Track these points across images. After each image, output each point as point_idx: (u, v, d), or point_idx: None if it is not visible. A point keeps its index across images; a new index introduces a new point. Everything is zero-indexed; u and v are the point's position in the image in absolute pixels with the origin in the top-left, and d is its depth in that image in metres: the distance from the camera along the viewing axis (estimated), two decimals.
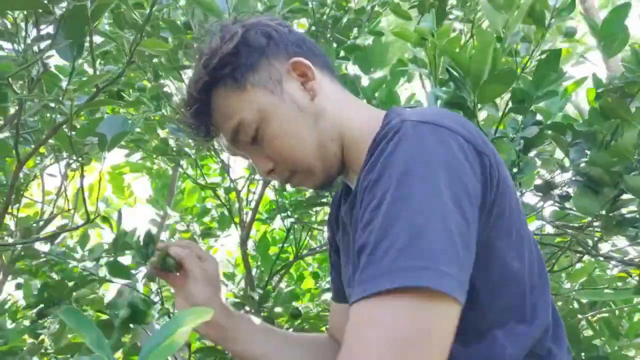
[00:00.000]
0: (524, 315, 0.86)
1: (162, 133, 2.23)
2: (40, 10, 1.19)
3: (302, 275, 2.90)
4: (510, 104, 1.25)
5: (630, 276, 1.74)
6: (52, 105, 1.46)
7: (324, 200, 1.89)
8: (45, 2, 1.10)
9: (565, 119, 1.25)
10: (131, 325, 2.44)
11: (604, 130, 1.14)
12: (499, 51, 1.08)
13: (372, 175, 0.79)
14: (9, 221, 1.90)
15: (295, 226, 2.39)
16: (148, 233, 1.12)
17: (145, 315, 1.60)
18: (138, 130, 2.12)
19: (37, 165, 2.09)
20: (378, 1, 1.93)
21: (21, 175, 1.84)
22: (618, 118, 1.12)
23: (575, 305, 1.87)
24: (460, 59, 1.11)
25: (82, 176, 1.50)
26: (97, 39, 1.40)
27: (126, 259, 2.09)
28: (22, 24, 1.28)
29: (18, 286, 2.14)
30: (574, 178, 1.25)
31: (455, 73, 1.13)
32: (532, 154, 1.32)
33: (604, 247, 1.64)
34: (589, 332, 1.89)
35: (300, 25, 2.08)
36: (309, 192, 2.22)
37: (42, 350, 2.05)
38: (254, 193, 2.52)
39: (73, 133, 1.41)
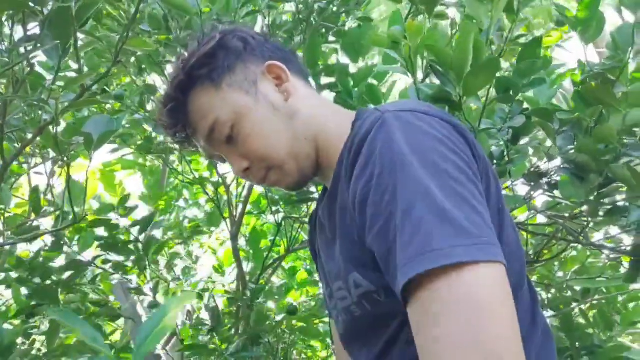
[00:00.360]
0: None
1: (148, 129, 2.22)
2: (27, 10, 1.18)
3: (294, 268, 2.90)
4: (495, 94, 1.25)
5: (622, 265, 1.75)
6: (37, 104, 1.46)
7: (314, 195, 1.89)
8: (31, 3, 1.09)
9: (551, 106, 1.25)
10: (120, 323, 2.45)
11: (587, 116, 1.15)
12: (482, 43, 1.08)
13: (370, 170, 0.79)
14: None
15: (287, 220, 2.39)
16: None
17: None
18: (125, 125, 2.11)
19: (24, 162, 2.08)
20: None
21: (7, 175, 1.83)
22: (601, 104, 1.12)
23: (569, 293, 1.87)
24: (442, 53, 1.10)
25: (68, 176, 1.49)
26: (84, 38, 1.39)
27: None
28: (7, 24, 1.27)
29: (8, 285, 2.13)
30: (562, 166, 1.25)
31: (438, 67, 1.13)
32: (523, 142, 1.33)
33: (598, 236, 1.65)
34: (581, 321, 1.89)
35: (286, 20, 2.07)
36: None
37: (34, 352, 2.05)
38: (244, 187, 2.52)
39: (60, 131, 1.41)
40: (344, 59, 1.93)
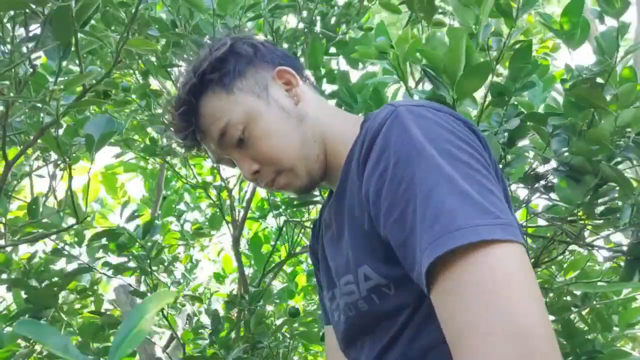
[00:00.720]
0: None
1: (152, 132, 2.23)
2: (28, 11, 1.19)
3: (295, 272, 2.90)
4: (489, 98, 1.26)
5: (621, 267, 1.74)
6: (39, 105, 1.46)
7: (317, 199, 1.90)
8: (32, 4, 1.10)
9: (547, 109, 1.26)
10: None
11: (580, 120, 1.16)
12: (471, 46, 1.10)
13: (385, 162, 0.80)
14: None
15: (288, 224, 2.39)
16: None
17: None
18: (128, 129, 2.12)
19: (24, 164, 2.09)
20: None
21: (9, 177, 1.84)
22: (593, 107, 1.14)
23: (569, 298, 1.87)
24: (434, 57, 1.12)
25: (70, 177, 1.50)
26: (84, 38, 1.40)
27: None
28: (8, 25, 1.28)
29: (9, 288, 2.14)
30: (557, 168, 1.26)
31: (431, 71, 1.14)
32: (520, 144, 1.34)
33: (598, 240, 1.65)
34: (581, 326, 1.89)
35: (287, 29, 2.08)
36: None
37: (35, 355, 2.05)
38: (246, 191, 2.52)
39: (61, 133, 1.42)
40: (343, 67, 1.95)
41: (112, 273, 2.09)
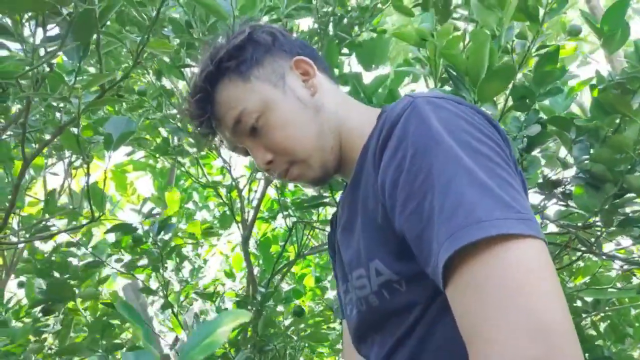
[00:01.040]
0: None
1: (163, 132, 2.24)
2: (48, 12, 1.20)
3: (303, 274, 2.90)
4: (510, 102, 1.25)
5: (635, 275, 1.75)
6: (56, 104, 1.47)
7: (326, 200, 1.90)
8: (55, 4, 1.11)
9: (568, 115, 1.25)
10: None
11: (605, 126, 1.15)
12: (494, 49, 1.09)
13: (402, 152, 0.78)
14: (13, 220, 1.91)
15: (297, 225, 2.40)
16: None
17: None
18: (140, 128, 2.13)
19: (48, 166, 2.10)
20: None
21: (27, 175, 1.85)
22: (619, 114, 1.13)
23: (579, 303, 1.87)
24: (457, 60, 1.12)
25: (87, 175, 1.51)
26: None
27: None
28: (28, 24, 1.29)
29: (20, 284, 2.15)
30: (577, 175, 1.25)
31: (453, 73, 1.14)
32: (535, 152, 1.33)
33: (609, 247, 1.65)
34: (592, 332, 1.89)
35: (301, 30, 2.09)
36: (310, 192, 2.22)
37: (45, 350, 2.06)
38: (256, 192, 2.53)
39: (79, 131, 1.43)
40: (356, 68, 1.96)
41: (125, 269, 2.11)
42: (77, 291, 1.92)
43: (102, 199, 1.62)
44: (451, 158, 0.72)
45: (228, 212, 2.60)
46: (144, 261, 2.10)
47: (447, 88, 1.28)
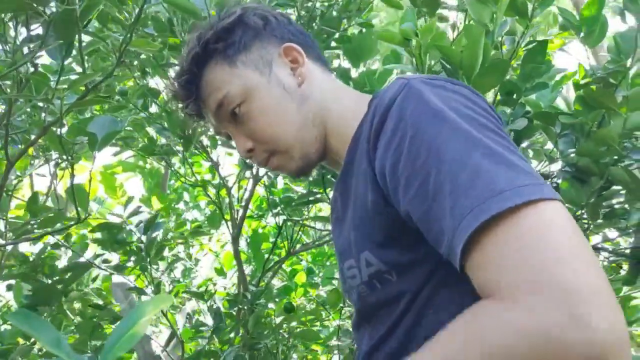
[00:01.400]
0: None
1: (151, 131, 2.23)
2: (31, 12, 1.19)
3: (294, 271, 2.90)
4: (498, 97, 1.25)
5: (622, 267, 1.75)
6: (41, 105, 1.46)
7: (318, 196, 1.89)
8: (34, 4, 1.10)
9: (553, 109, 1.25)
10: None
11: (590, 120, 1.15)
12: (488, 44, 1.08)
13: (401, 132, 0.76)
14: None
15: (288, 223, 2.39)
16: None
17: None
18: (128, 128, 2.12)
19: (30, 165, 2.09)
20: None
21: (12, 176, 1.84)
22: (603, 108, 1.13)
23: None
24: (451, 53, 1.11)
25: (72, 175, 1.50)
26: (87, 38, 1.40)
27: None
28: (10, 24, 1.27)
29: (8, 287, 2.14)
30: (563, 169, 1.25)
31: (448, 66, 1.13)
32: (523, 145, 1.33)
33: (596, 239, 1.65)
34: None
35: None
36: (299, 189, 2.22)
37: (34, 352, 2.05)
38: (245, 190, 2.52)
39: (64, 132, 1.42)
40: (345, 64, 1.95)
41: (112, 270, 2.10)
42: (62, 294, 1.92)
43: (87, 200, 1.61)
44: (458, 132, 0.70)
45: (217, 211, 2.59)
46: (131, 261, 2.09)
47: None
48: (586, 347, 0.55)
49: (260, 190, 2.54)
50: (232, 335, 2.20)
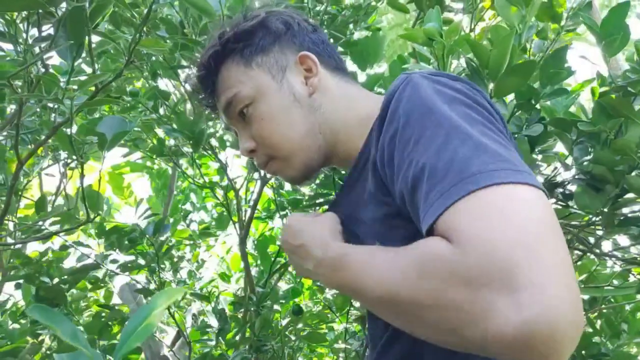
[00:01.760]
0: None
1: (160, 132, 2.23)
2: (41, 11, 1.19)
3: None
4: (515, 101, 1.24)
5: (632, 274, 1.75)
6: (51, 105, 1.46)
7: (326, 198, 1.89)
8: (46, 4, 1.10)
9: (568, 115, 1.24)
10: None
11: (608, 128, 1.14)
12: (515, 46, 1.08)
13: (396, 123, 0.78)
14: (8, 221, 1.90)
15: None
16: None
17: None
18: (137, 129, 2.12)
19: (36, 164, 2.09)
20: None
21: (21, 175, 1.84)
22: (621, 117, 1.12)
23: None
24: (481, 51, 1.10)
25: (82, 175, 1.50)
26: (96, 39, 1.40)
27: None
28: (22, 25, 1.28)
29: (17, 286, 2.14)
30: (577, 176, 1.25)
31: (473, 64, 1.12)
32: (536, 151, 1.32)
33: (606, 245, 1.65)
34: (588, 329, 1.89)
35: None
36: (307, 191, 2.21)
37: (43, 350, 2.06)
38: (253, 192, 2.52)
39: (73, 132, 1.42)
40: (352, 68, 1.94)
41: (120, 270, 2.10)
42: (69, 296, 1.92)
43: (98, 201, 1.61)
44: (444, 120, 0.72)
45: (225, 213, 2.58)
46: (140, 261, 2.09)
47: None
48: (509, 325, 0.54)
49: (268, 192, 2.53)
50: (237, 337, 2.19)
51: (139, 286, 2.30)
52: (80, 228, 1.86)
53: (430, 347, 0.69)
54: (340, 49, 1.96)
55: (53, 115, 1.51)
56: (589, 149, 1.21)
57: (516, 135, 1.25)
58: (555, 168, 1.35)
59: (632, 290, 1.66)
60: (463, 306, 0.58)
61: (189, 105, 2.51)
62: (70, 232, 1.84)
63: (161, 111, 2.04)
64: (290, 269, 2.68)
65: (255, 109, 1.01)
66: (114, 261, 2.07)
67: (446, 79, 0.82)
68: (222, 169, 2.36)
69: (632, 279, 1.79)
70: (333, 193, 1.81)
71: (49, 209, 1.91)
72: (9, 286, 2.13)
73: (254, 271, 2.63)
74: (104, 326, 2.02)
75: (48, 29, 1.28)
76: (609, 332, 1.82)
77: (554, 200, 1.37)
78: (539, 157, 1.40)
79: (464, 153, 0.66)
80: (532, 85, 1.21)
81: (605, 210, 1.20)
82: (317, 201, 1.96)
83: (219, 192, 2.48)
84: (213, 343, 2.22)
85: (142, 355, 2.59)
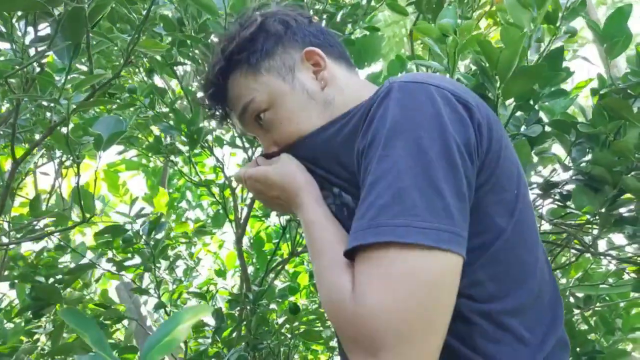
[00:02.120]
0: None
1: (155, 130, 2.22)
2: (39, 12, 1.19)
3: (297, 272, 2.89)
4: (514, 102, 1.24)
5: (626, 272, 1.76)
6: (47, 104, 1.45)
7: None
8: (45, 4, 1.09)
9: (567, 116, 1.25)
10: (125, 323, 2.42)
11: (607, 130, 1.14)
12: (525, 48, 1.08)
13: (365, 140, 0.80)
14: (3, 221, 1.89)
15: (291, 223, 2.39)
16: None
17: None
18: (132, 127, 2.12)
19: (27, 162, 2.08)
20: None
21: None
22: (621, 119, 1.12)
23: (571, 300, 1.87)
24: (492, 51, 1.10)
25: (78, 175, 1.49)
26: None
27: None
28: (18, 24, 1.27)
29: (12, 285, 2.13)
30: (574, 177, 1.25)
31: (483, 64, 1.12)
32: (533, 152, 1.32)
33: (601, 244, 1.65)
34: (584, 327, 1.90)
35: None
36: None
37: (38, 350, 2.05)
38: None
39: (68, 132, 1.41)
40: None
41: (115, 270, 2.09)
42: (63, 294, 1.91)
43: (92, 200, 1.60)
44: (388, 157, 0.74)
45: (221, 211, 2.58)
46: (136, 260, 2.08)
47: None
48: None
49: None
50: (233, 335, 2.19)
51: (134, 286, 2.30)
52: (76, 228, 1.85)
53: None
54: None
55: (48, 114, 1.50)
56: (587, 150, 1.21)
57: (515, 135, 1.26)
58: (554, 169, 1.35)
59: (626, 288, 1.68)
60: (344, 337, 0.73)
61: (185, 102, 2.51)
62: (65, 231, 1.83)
63: (157, 108, 2.03)
64: (286, 267, 2.69)
65: (273, 114, 1.02)
66: (110, 260, 2.06)
67: (423, 95, 0.79)
68: (219, 167, 2.36)
69: (626, 277, 1.80)
70: None
71: (44, 207, 1.90)
72: (4, 285, 2.12)
73: (250, 269, 2.63)
74: (100, 325, 2.02)
75: (44, 28, 1.28)
76: (603, 330, 1.83)
77: (550, 200, 1.38)
78: (535, 159, 1.40)
79: (385, 199, 0.71)
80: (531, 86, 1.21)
81: (603, 210, 1.20)
82: None
83: (215, 191, 2.48)
84: (209, 341, 2.21)
85: (138, 354, 2.59)
